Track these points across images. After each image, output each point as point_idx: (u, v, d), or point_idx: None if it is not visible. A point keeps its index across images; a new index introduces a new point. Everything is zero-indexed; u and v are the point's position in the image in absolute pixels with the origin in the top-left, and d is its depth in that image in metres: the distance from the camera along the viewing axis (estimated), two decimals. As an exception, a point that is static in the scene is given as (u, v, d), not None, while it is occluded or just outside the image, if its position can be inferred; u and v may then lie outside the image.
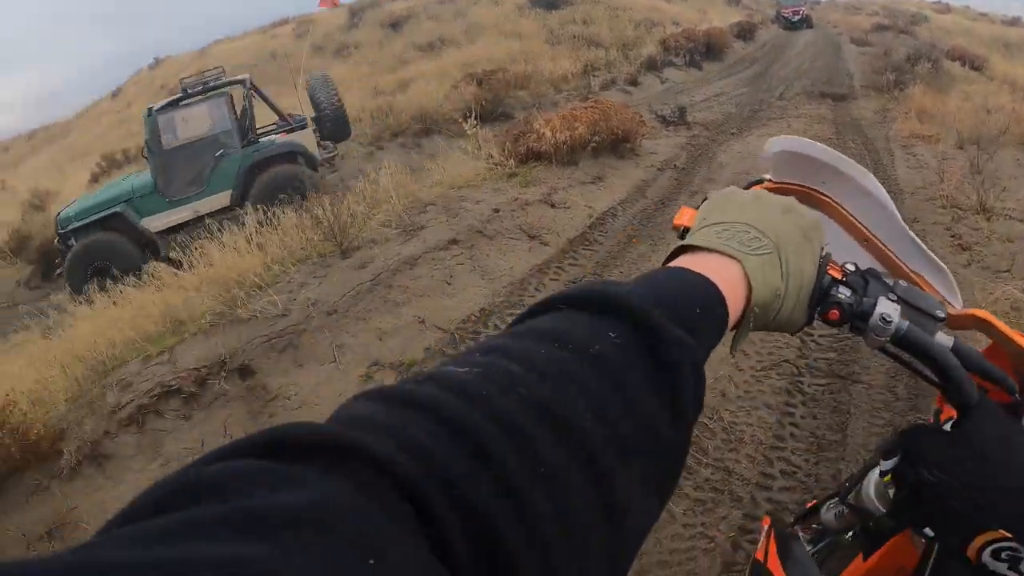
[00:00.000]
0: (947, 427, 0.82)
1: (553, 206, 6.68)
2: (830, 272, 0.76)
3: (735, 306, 0.60)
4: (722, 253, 0.63)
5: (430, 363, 4.23)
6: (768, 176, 0.95)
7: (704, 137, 9.73)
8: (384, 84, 17.43)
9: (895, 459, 0.80)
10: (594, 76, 15.51)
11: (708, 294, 0.57)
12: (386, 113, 13.86)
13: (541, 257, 5.75)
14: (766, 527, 1.17)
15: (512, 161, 8.07)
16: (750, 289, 0.62)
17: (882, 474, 0.84)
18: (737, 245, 0.64)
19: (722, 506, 2.94)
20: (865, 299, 0.74)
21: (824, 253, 0.74)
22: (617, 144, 8.61)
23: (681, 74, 16.19)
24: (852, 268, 0.78)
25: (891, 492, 0.84)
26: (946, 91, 12.55)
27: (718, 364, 3.88)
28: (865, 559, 0.98)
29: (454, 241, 5.60)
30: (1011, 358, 0.87)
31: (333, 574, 0.27)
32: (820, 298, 0.73)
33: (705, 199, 0.77)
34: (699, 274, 0.59)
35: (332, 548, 0.27)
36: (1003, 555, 0.71)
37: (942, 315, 0.77)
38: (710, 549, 2.74)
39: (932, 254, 0.89)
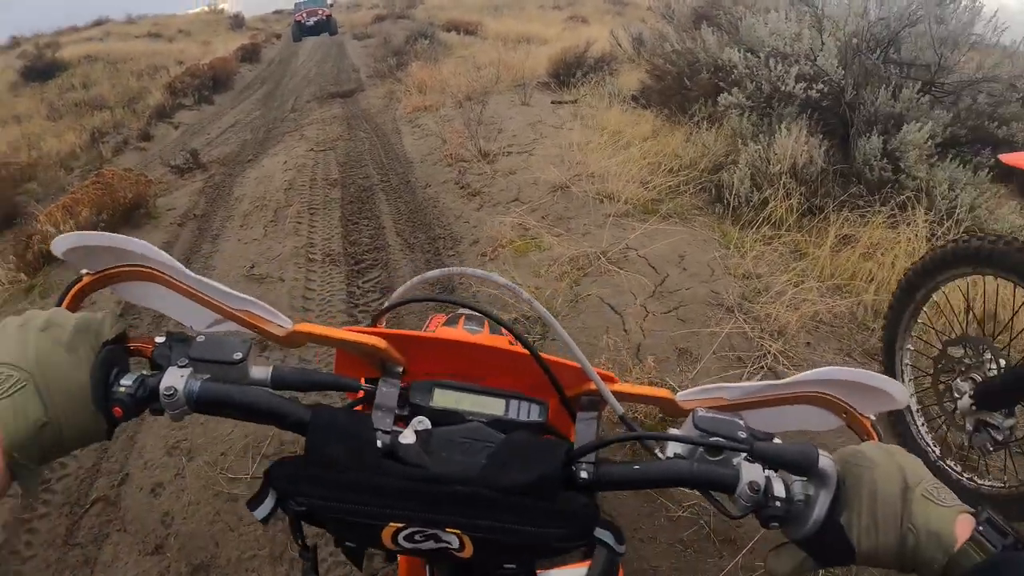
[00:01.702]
0: None
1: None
2: (145, 353, 0.78)
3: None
4: None
5: None
6: (85, 271, 0.86)
7: (221, 174, 8.98)
8: None
9: (267, 502, 0.75)
10: (104, 142, 13.98)
11: None
12: None
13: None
14: None
15: (23, 274, 6.72)
16: None
17: (263, 523, 0.77)
18: None
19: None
20: (152, 378, 0.73)
21: (107, 348, 0.72)
22: (130, 213, 7.65)
23: (194, 114, 15.08)
24: (162, 339, 0.79)
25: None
26: (442, 61, 13.17)
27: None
28: None
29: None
30: (357, 353, 0.89)
31: None
32: (105, 398, 0.70)
33: None
34: None
35: None
36: (417, 536, 0.73)
37: (239, 356, 0.77)
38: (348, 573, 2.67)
39: (238, 293, 0.85)
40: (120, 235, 0.82)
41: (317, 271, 5.10)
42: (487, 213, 5.42)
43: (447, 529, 0.72)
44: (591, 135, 6.63)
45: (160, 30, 34.35)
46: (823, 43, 5.40)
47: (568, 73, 9.73)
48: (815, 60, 5.34)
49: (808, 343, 3.40)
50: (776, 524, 0.72)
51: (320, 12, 29.00)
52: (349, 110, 11.50)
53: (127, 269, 0.88)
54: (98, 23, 40.13)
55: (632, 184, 5.16)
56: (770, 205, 4.54)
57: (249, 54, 22.37)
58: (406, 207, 6.07)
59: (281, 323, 0.87)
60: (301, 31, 28.63)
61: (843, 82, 5.22)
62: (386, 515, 0.72)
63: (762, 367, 3.22)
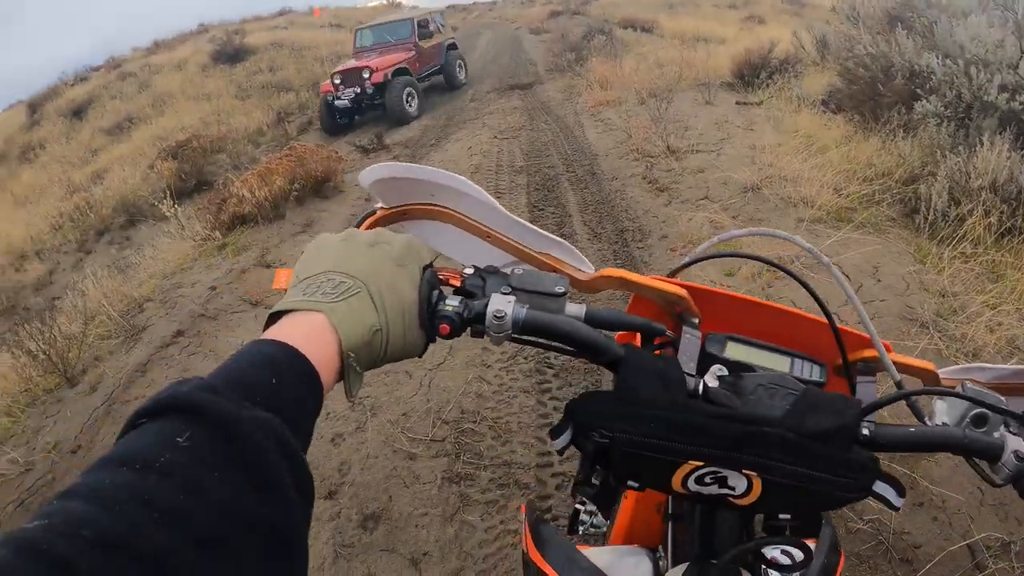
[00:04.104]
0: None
1: (269, 266, 6.33)
2: (451, 282, 0.81)
3: (327, 359, 0.61)
4: (306, 310, 0.63)
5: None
6: (380, 204, 0.95)
7: (405, 156, 9.53)
8: (78, 180, 15.77)
9: (566, 434, 0.80)
10: (289, 122, 15.01)
11: (284, 360, 0.57)
12: (85, 212, 12.48)
13: (267, 322, 5.39)
14: (523, 515, 1.14)
15: (218, 232, 7.61)
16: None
17: (559, 452, 0.84)
18: (321, 297, 0.64)
19: (513, 499, 2.90)
20: (476, 302, 0.77)
21: (428, 270, 0.76)
22: (320, 186, 8.42)
23: (376, 98, 15.89)
24: (471, 271, 0.81)
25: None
26: (622, 57, 13.21)
27: (464, 369, 3.86)
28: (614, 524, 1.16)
29: (179, 333, 5.13)
30: (656, 301, 0.93)
31: None
32: (431, 315, 0.74)
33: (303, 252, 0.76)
34: (275, 342, 0.58)
35: None
36: (707, 479, 0.76)
37: (561, 290, 0.80)
38: (518, 542, 2.66)
39: (547, 233, 0.90)
40: (433, 168, 0.88)
41: (504, 254, 5.34)
42: (676, 209, 5.47)
43: (743, 471, 0.75)
44: (781, 138, 6.58)
45: (341, 21, 35.64)
46: (1023, 51, 5.18)
47: (752, 74, 9.57)
48: (1016, 68, 5.13)
49: (1004, 367, 3.32)
50: None
51: (374, 67, 12.27)
52: (528, 102, 11.73)
53: (421, 207, 0.94)
54: (282, 13, 42.19)
55: (825, 190, 5.10)
56: (968, 222, 4.43)
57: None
58: (592, 197, 6.23)
59: (584, 268, 0.93)
60: (332, 116, 12.90)
61: (1045, 94, 4.96)
62: (689, 452, 0.74)
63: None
